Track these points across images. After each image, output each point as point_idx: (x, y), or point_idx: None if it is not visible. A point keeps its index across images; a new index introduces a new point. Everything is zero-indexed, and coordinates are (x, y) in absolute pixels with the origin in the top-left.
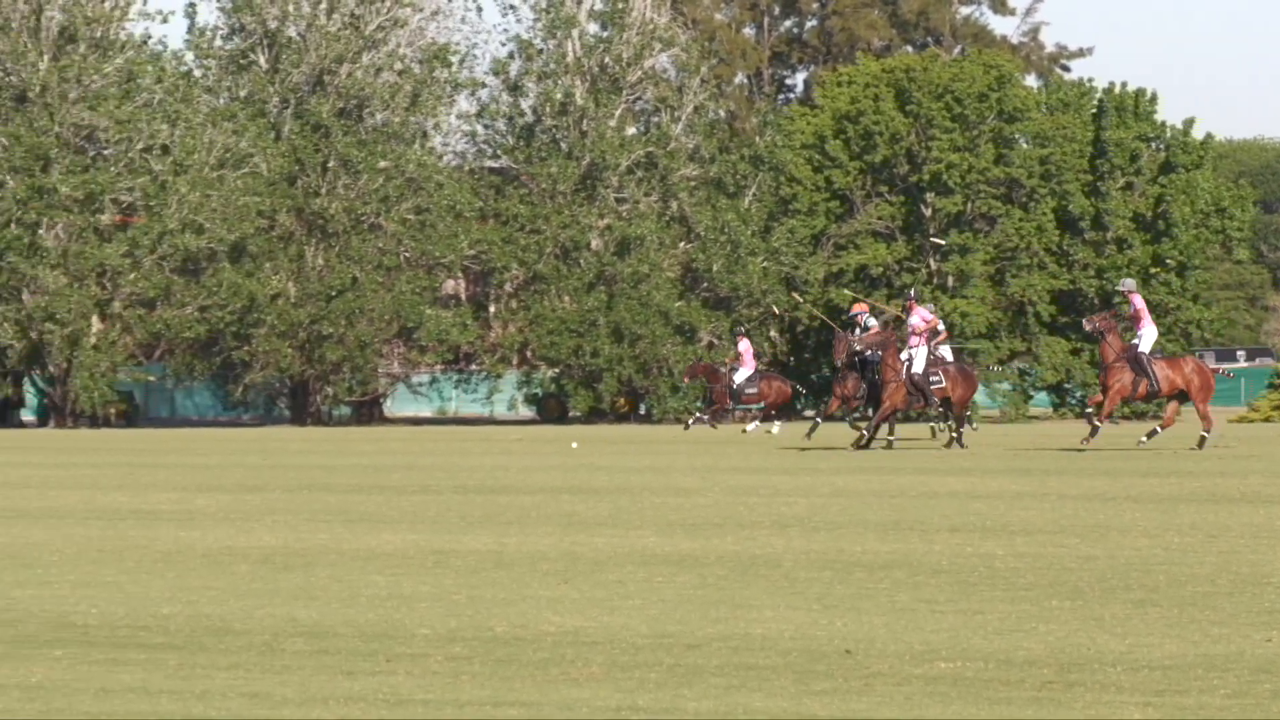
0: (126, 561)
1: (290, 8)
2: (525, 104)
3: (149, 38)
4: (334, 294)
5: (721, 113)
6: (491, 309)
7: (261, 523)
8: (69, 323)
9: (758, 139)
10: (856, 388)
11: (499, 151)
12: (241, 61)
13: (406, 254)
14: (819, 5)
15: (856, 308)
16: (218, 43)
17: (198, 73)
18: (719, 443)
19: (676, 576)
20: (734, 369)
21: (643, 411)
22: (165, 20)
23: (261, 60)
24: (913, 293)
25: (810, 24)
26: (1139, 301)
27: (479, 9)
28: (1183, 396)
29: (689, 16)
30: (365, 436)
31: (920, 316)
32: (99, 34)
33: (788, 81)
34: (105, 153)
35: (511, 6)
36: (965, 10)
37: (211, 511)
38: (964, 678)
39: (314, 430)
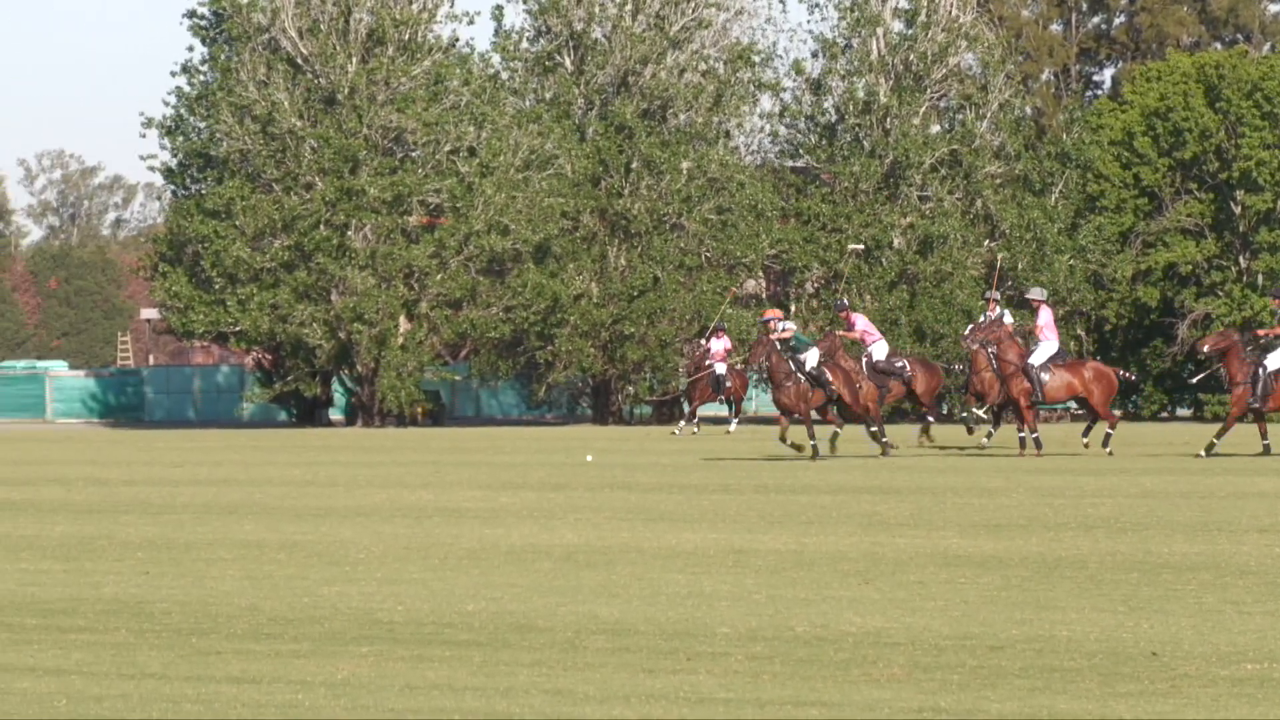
0: (432, 559)
1: (596, 9)
2: (828, 103)
3: (456, 40)
4: (636, 294)
5: (1027, 109)
6: (792, 308)
7: (564, 520)
8: (376, 323)
9: (1065, 136)
10: (799, 395)
11: (801, 150)
12: (547, 63)
13: (707, 254)
14: (1128, 1)
15: (768, 313)
16: (524, 45)
17: (504, 75)
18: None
19: (979, 577)
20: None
21: (945, 411)
22: (472, 22)
23: (567, 62)
24: (845, 301)
25: (1118, 20)
26: (1046, 313)
27: (784, 8)
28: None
29: (995, 13)
30: (662, 435)
31: (860, 322)
32: (407, 36)
33: (1095, 78)
34: (413, 155)
35: (816, 5)
36: (1274, 8)
37: (515, 509)
38: (1271, 679)
39: (615, 429)
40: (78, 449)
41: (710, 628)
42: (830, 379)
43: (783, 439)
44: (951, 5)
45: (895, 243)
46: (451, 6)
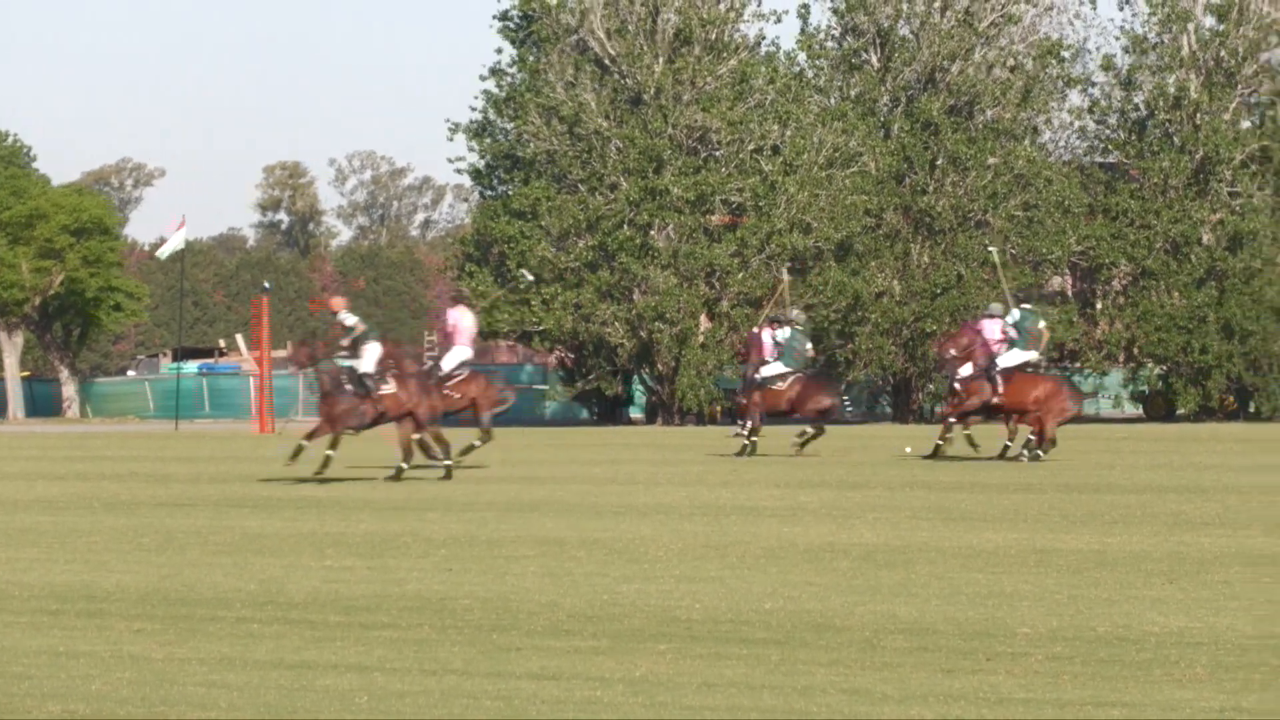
0: (729, 557)
1: (904, 6)
2: (1137, 98)
3: (762, 38)
4: (939, 291)
5: None
6: (1098, 305)
7: (863, 519)
8: (677, 321)
9: None
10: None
11: (1109, 146)
12: (853, 61)
13: (1013, 250)
14: None
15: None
16: (829, 43)
17: (809, 73)
18: None
19: None
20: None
21: (1251, 409)
22: (779, 21)
23: (873, 59)
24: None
25: None
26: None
27: (1093, 4)
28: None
29: None
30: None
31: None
32: (713, 36)
33: None
34: (716, 154)
35: (1127, 1)
36: None
37: (814, 508)
38: None
39: (915, 428)
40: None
41: (1010, 628)
42: None
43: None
44: (1264, 1)
45: (1204, 239)
46: (759, 5)
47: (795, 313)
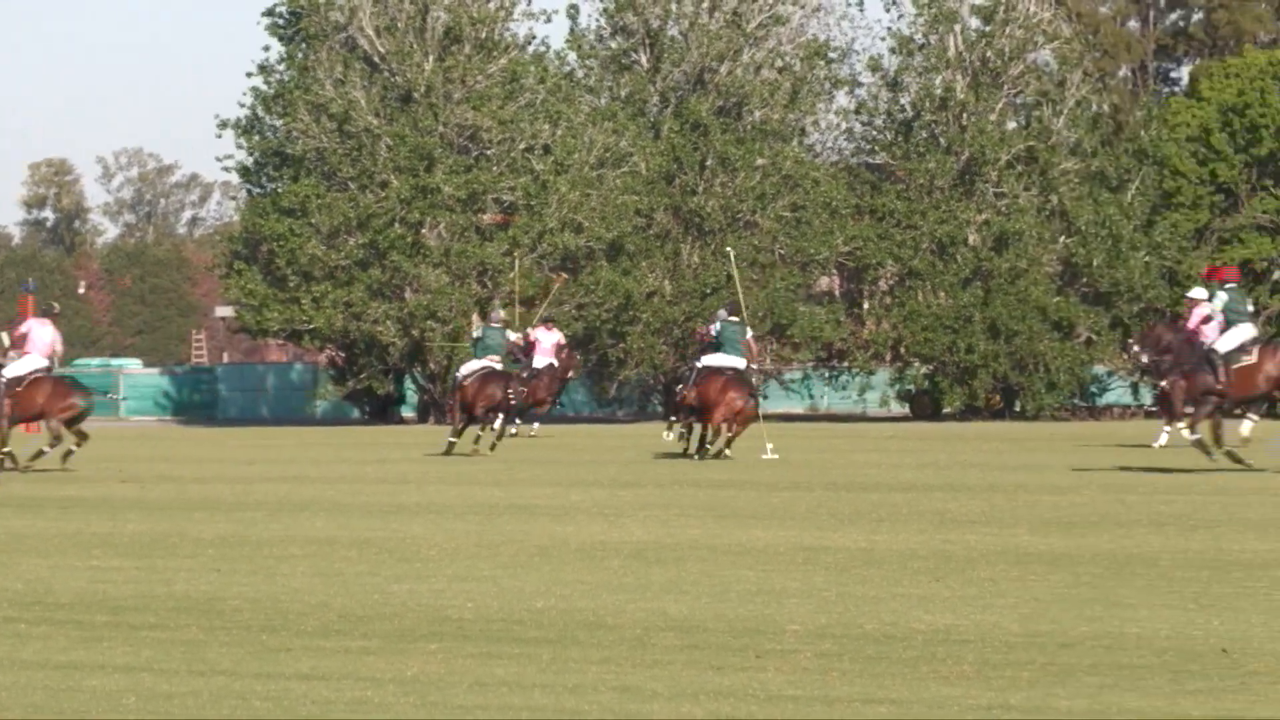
0: (501, 556)
1: (672, 7)
2: (904, 99)
3: (532, 38)
4: (709, 291)
5: (1104, 106)
6: (865, 305)
7: (634, 517)
8: (449, 320)
9: (1141, 132)
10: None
11: (876, 147)
12: (623, 61)
13: (781, 251)
14: None
15: None
16: (599, 42)
17: (579, 73)
18: (1098, 440)
19: (1050, 575)
20: None
21: (1017, 408)
22: (549, 20)
23: (642, 59)
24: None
25: (1195, 17)
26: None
27: (860, 5)
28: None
29: (1072, 9)
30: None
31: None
32: (483, 34)
33: (1172, 74)
34: (487, 152)
35: (894, 2)
36: None
37: (585, 506)
38: None
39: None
40: (151, 446)
41: (779, 625)
42: None
43: None
44: (1029, 2)
45: (970, 239)
46: (529, 4)
47: (721, 311)
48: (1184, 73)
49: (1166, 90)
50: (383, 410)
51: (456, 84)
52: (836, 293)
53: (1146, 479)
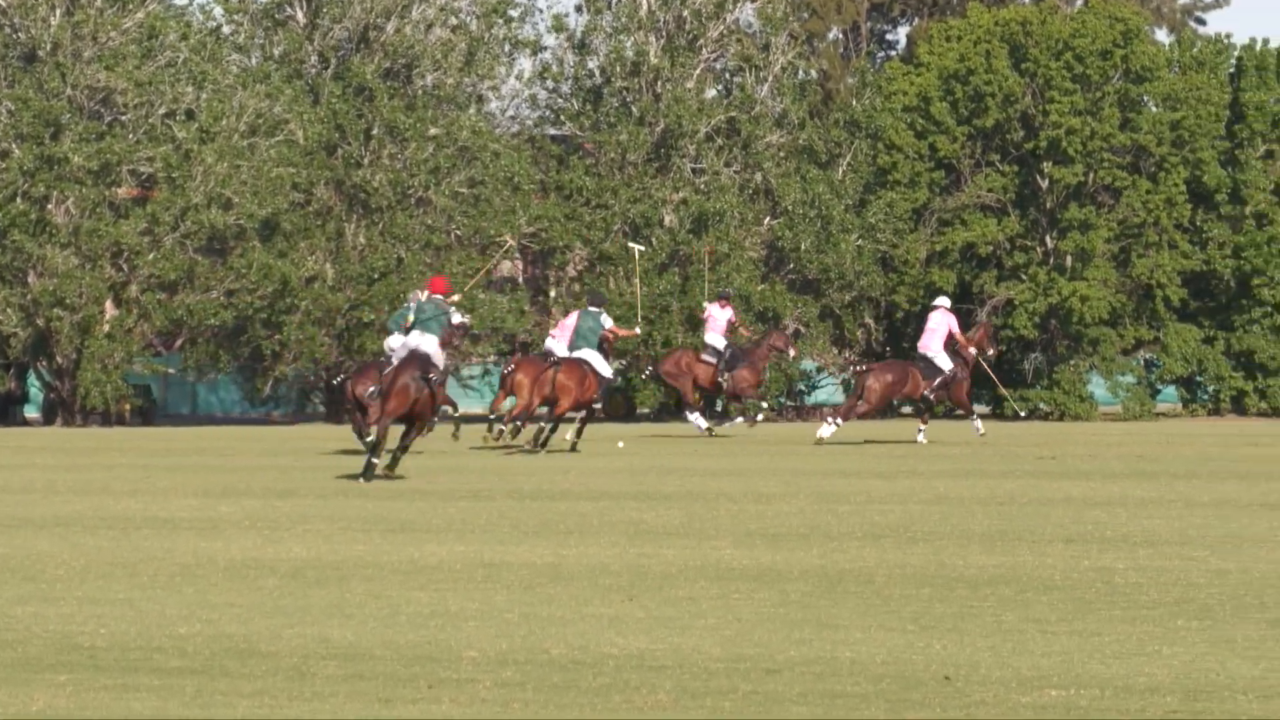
0: (140, 576)
1: None
2: (592, 64)
3: None
4: (376, 276)
5: (813, 73)
6: (552, 293)
7: (292, 532)
8: (79, 308)
9: (853, 102)
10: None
11: (562, 117)
12: (276, 16)
13: (458, 232)
14: None
15: None
16: None
17: (227, 29)
18: (806, 443)
19: (755, 593)
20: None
21: (719, 408)
22: None
23: (299, 15)
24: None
25: None
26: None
27: None
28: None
29: None
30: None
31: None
32: None
33: (888, 37)
34: (122, 118)
35: None
36: None
37: (236, 519)
38: (1077, 707)
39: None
40: None
41: (455, 651)
42: None
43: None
44: None
45: (667, 220)
46: None
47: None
48: (901, 35)
49: (882, 55)
50: (4, 410)
51: (87, 41)
52: (520, 278)
53: (861, 486)
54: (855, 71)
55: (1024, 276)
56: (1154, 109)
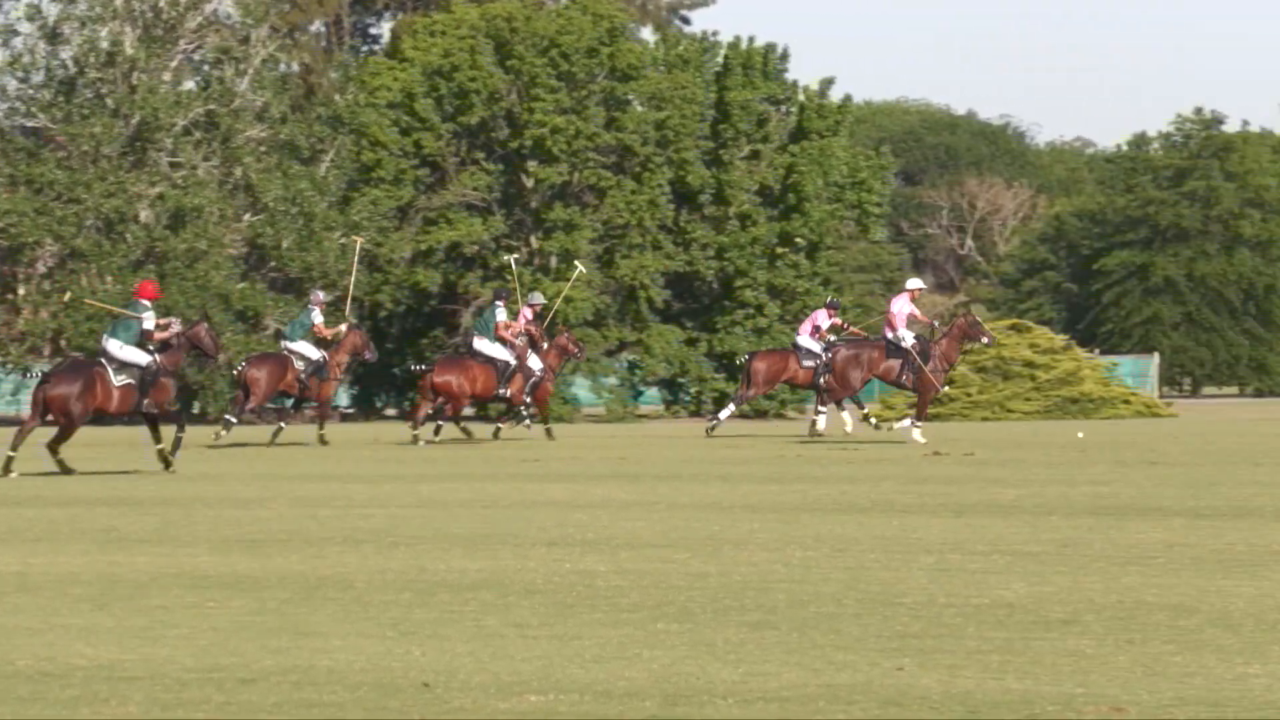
0: None
1: None
2: (65, 54)
3: None
4: None
5: (294, 66)
6: (21, 291)
7: None
8: None
9: (336, 97)
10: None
11: (33, 109)
12: None
13: None
14: None
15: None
16: None
17: None
18: (287, 447)
19: (231, 601)
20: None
21: (196, 410)
22: None
23: None
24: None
25: None
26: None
27: None
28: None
29: None
30: None
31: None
32: None
33: (372, 30)
34: None
35: None
36: None
37: None
38: (556, 712)
39: None
40: None
41: None
42: None
43: None
44: None
45: (142, 216)
46: None
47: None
48: (385, 29)
49: (365, 49)
50: None
51: None
52: None
53: (343, 491)
54: (338, 66)
55: (508, 276)
56: (639, 108)
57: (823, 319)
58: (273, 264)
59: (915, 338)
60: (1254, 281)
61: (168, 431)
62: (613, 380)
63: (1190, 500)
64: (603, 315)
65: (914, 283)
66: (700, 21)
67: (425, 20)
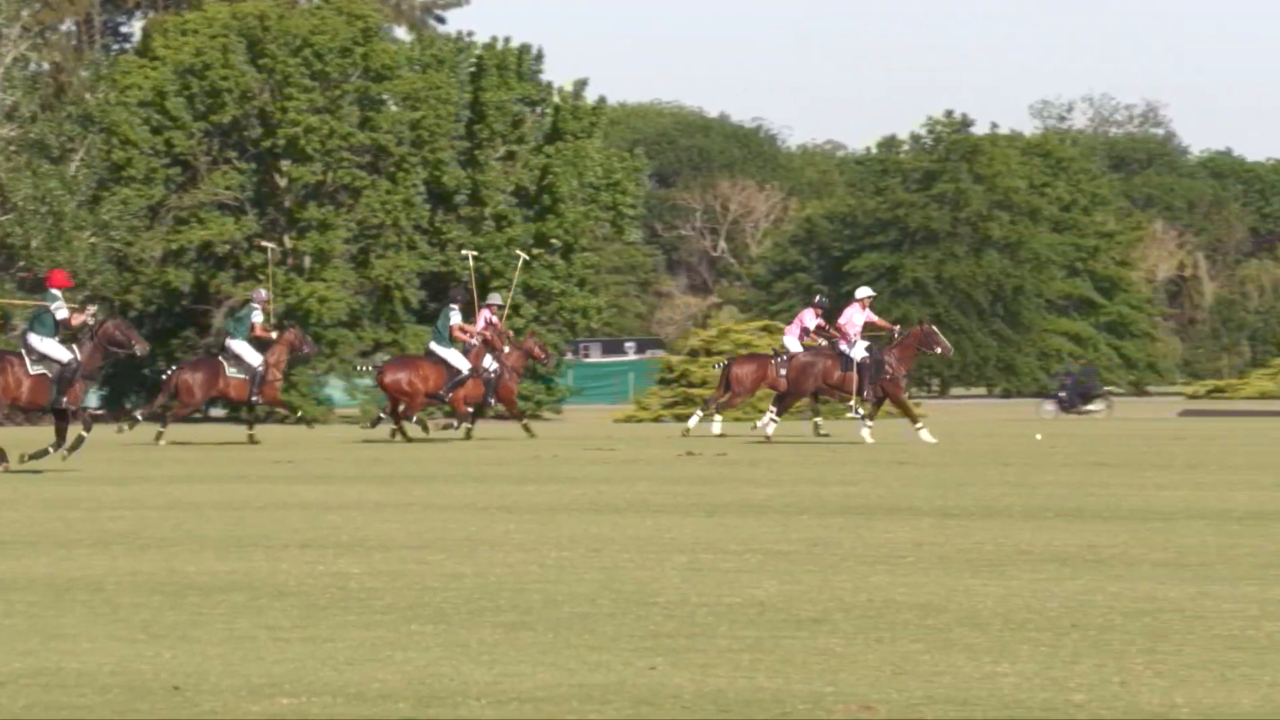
0: None
1: None
2: None
3: None
4: None
5: (45, 65)
6: None
7: None
8: None
9: (87, 95)
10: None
11: None
12: None
13: None
14: None
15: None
16: None
17: None
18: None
19: None
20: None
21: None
22: None
23: None
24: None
25: None
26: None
27: None
28: None
29: None
30: None
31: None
32: None
33: (123, 29)
34: None
35: None
36: None
37: None
38: (309, 715)
39: None
40: None
41: None
42: None
43: None
44: None
45: None
46: None
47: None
48: (136, 28)
49: (117, 48)
50: None
51: None
52: None
53: (92, 493)
54: (89, 64)
55: (261, 276)
56: (394, 108)
57: (809, 320)
58: (21, 263)
59: (865, 349)
60: (1002, 283)
61: (73, 433)
62: (367, 381)
63: (939, 500)
64: (358, 315)
65: (863, 291)
66: (455, 21)
67: (177, 19)
